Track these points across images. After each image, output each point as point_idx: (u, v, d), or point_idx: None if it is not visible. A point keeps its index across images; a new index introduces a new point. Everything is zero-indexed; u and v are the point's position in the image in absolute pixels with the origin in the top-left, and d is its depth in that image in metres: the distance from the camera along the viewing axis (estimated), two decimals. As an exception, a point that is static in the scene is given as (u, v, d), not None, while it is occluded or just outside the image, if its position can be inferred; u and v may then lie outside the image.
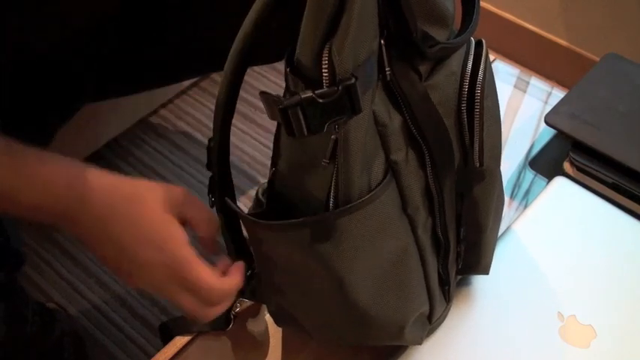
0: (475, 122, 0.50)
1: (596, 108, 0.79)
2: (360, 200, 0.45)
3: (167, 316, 1.16)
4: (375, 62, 0.44)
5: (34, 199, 0.51)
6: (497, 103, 0.53)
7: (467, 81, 0.49)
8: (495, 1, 1.73)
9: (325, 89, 0.40)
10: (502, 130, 0.86)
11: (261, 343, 0.64)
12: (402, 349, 0.60)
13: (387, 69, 0.45)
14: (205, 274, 0.53)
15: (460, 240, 0.56)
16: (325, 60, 0.40)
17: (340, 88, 0.40)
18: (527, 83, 0.91)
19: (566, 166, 0.78)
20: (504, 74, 0.91)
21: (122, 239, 0.52)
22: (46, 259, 1.24)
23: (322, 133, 0.42)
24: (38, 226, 1.28)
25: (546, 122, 0.78)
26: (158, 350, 0.64)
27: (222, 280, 0.54)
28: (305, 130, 0.42)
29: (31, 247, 1.25)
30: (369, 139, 0.45)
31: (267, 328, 0.65)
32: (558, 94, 0.88)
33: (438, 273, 0.56)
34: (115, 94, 0.91)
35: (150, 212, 0.53)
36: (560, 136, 0.82)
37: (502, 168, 0.81)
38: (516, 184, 0.79)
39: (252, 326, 0.66)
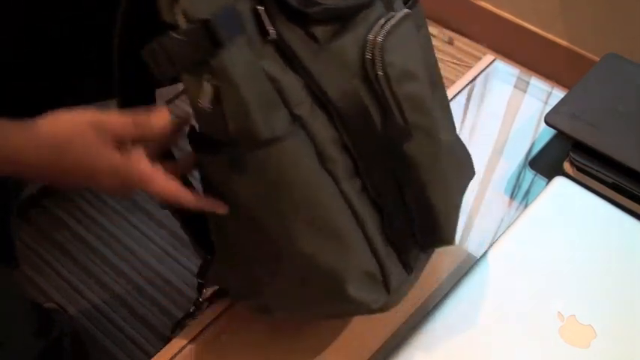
0: (380, 80, 0.53)
1: (596, 108, 0.79)
2: (265, 139, 0.49)
3: (167, 316, 1.16)
4: (239, 14, 0.47)
5: None
6: (416, 58, 0.56)
7: (369, 43, 0.53)
8: (495, 1, 1.73)
9: (184, 28, 0.45)
10: (502, 130, 0.87)
11: (261, 344, 0.65)
12: (400, 347, 0.60)
13: (270, 29, 0.49)
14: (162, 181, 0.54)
15: (405, 202, 0.57)
16: (178, 8, 0.45)
17: (197, 24, 0.45)
18: (527, 83, 0.91)
19: (566, 166, 0.78)
20: (504, 74, 0.91)
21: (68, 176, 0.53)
22: (46, 259, 1.25)
23: (203, 85, 0.47)
24: (37, 224, 1.29)
25: (546, 122, 0.78)
26: (158, 350, 0.64)
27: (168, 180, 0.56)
28: (171, 68, 0.46)
29: (31, 247, 1.25)
30: (261, 88, 0.49)
31: (267, 327, 0.65)
32: (558, 94, 0.88)
33: (388, 237, 0.57)
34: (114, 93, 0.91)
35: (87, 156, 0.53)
36: (560, 136, 0.82)
37: (502, 168, 0.81)
38: (516, 184, 0.79)
39: (252, 325, 0.66)
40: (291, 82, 0.51)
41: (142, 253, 1.26)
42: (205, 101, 0.48)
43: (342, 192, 0.53)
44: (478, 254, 0.72)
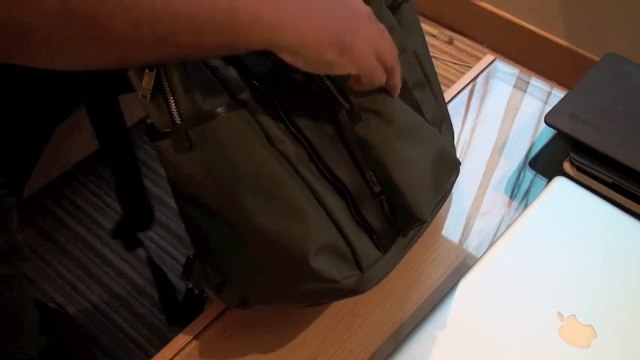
0: None
1: (596, 108, 0.79)
2: (206, 111, 0.51)
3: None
4: None
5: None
6: None
7: None
8: (495, 1, 1.73)
9: None
10: (502, 130, 0.87)
11: (261, 344, 0.65)
12: (400, 347, 0.60)
13: None
14: None
15: (368, 183, 0.58)
16: None
17: None
18: (527, 83, 0.91)
19: (566, 166, 0.78)
20: (504, 74, 0.91)
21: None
22: (46, 259, 1.25)
23: (145, 72, 0.50)
24: (36, 224, 1.29)
25: (546, 122, 0.78)
26: (158, 350, 0.64)
27: None
28: None
29: (31, 247, 1.25)
30: (197, 70, 0.52)
31: (267, 327, 0.65)
32: (558, 94, 0.88)
33: (357, 221, 0.58)
34: (115, 91, 0.91)
35: None
36: (560, 136, 0.82)
37: (502, 168, 0.81)
38: (516, 184, 0.79)
39: (252, 325, 0.66)
40: (231, 73, 0.53)
41: (141, 253, 1.26)
42: (148, 87, 0.50)
43: (297, 172, 0.55)
44: (478, 254, 0.72)
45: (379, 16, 0.61)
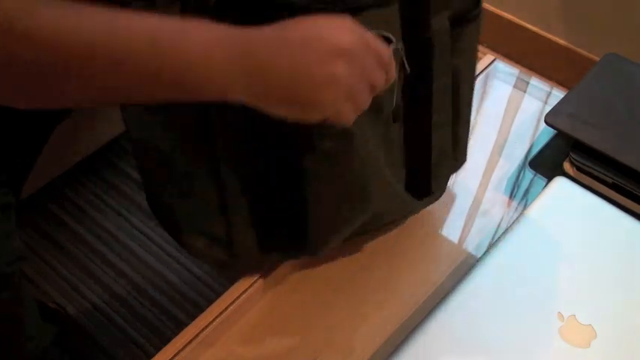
0: None
1: (596, 108, 0.79)
2: None
3: (167, 317, 1.16)
4: None
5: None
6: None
7: None
8: (495, 1, 1.73)
9: None
10: (502, 130, 0.87)
11: (260, 345, 0.65)
12: (400, 347, 0.60)
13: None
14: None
15: (286, 194, 0.60)
16: None
17: None
18: (527, 83, 0.91)
19: (566, 166, 0.78)
20: (504, 74, 0.91)
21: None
22: (46, 259, 1.24)
23: None
24: (36, 224, 1.29)
25: (546, 122, 0.78)
26: (158, 350, 0.64)
27: None
28: None
29: (31, 247, 1.25)
30: None
31: (266, 329, 0.65)
32: (558, 94, 0.88)
33: (256, 215, 0.62)
34: None
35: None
36: (560, 136, 0.82)
37: (502, 168, 0.81)
38: (516, 184, 0.79)
39: (251, 326, 0.66)
40: None
41: (142, 253, 1.26)
42: None
43: (212, 156, 0.57)
44: (478, 254, 0.72)
45: (440, 34, 0.59)
